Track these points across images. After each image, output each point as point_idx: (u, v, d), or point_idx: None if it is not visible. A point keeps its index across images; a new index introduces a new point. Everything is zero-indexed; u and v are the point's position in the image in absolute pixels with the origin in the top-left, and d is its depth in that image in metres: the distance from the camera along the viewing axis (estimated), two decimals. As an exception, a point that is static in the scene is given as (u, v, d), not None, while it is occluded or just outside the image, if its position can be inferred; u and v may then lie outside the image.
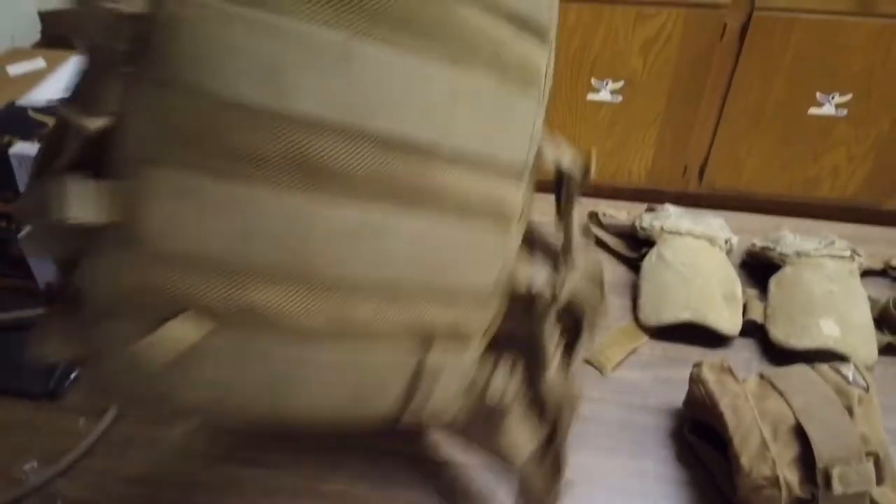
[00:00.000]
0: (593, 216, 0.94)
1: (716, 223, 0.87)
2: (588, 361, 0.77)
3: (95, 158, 0.34)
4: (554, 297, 0.48)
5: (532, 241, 0.51)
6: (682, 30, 1.62)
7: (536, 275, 0.48)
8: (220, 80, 0.33)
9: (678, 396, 0.74)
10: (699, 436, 0.67)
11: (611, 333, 0.80)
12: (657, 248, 0.85)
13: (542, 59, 0.41)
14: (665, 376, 0.76)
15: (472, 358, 0.44)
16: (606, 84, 1.75)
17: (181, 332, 0.35)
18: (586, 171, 0.50)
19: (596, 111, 1.80)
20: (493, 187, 0.40)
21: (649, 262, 0.84)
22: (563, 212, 0.53)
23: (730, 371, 0.66)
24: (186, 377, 0.37)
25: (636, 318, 0.81)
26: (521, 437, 0.49)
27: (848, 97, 1.65)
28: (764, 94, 1.69)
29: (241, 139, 0.33)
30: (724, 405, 0.62)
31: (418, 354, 0.41)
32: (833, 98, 1.66)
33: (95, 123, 0.33)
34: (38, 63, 0.90)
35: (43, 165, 0.37)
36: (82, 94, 0.35)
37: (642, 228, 0.87)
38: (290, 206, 0.34)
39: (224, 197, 0.34)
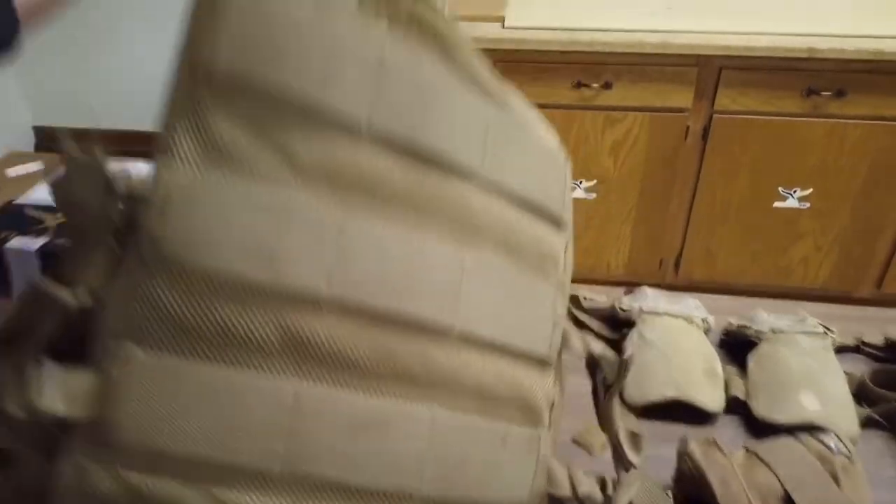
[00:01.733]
0: (574, 300, 0.97)
1: (692, 304, 0.90)
2: (576, 442, 0.78)
3: (73, 338, 0.31)
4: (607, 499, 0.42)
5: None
6: (648, 132, 1.72)
7: (582, 478, 0.42)
8: (211, 257, 0.30)
9: (667, 473, 0.74)
10: (691, 511, 0.67)
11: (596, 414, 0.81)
12: (637, 329, 0.87)
13: (558, 245, 0.41)
14: (653, 454, 0.76)
15: None
16: (580, 183, 1.82)
17: None
18: (621, 363, 0.45)
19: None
20: (515, 374, 0.37)
21: (630, 342, 0.86)
22: (603, 414, 0.49)
23: (716, 445, 0.67)
24: None
25: (621, 398, 0.82)
26: None
27: (809, 191, 1.74)
28: (729, 189, 1.77)
29: (232, 319, 0.30)
30: (713, 478, 0.63)
31: None
32: (795, 192, 1.74)
33: (77, 300, 0.31)
34: (36, 165, 0.93)
35: (14, 337, 0.32)
36: (66, 270, 0.32)
37: (622, 310, 0.90)
38: (285, 394, 0.31)
39: (210, 383, 0.30)
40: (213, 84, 0.31)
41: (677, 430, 0.80)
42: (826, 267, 1.85)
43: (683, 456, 0.67)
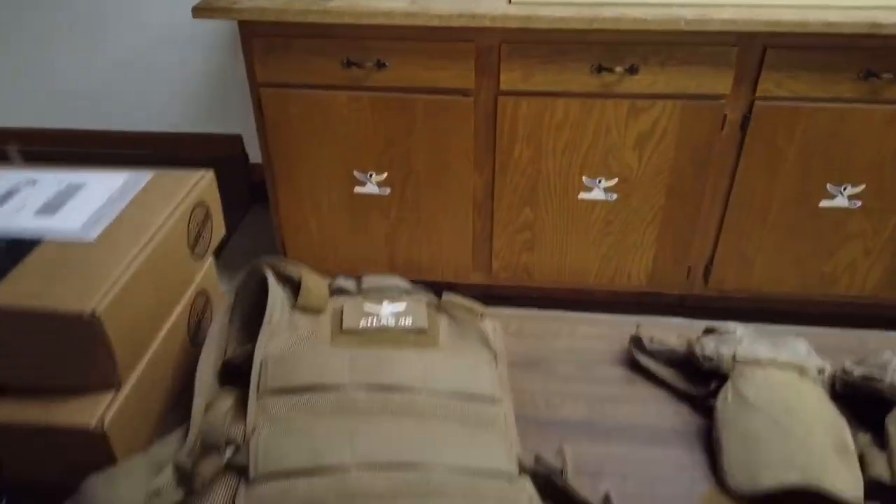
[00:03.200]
0: (637, 342, 0.75)
1: (801, 348, 0.68)
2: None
3: None
4: None
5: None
6: (678, 122, 1.50)
7: None
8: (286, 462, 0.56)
9: None
10: None
11: (692, 508, 0.59)
12: (731, 384, 0.65)
13: (497, 412, 0.64)
14: (776, 569, 0.55)
15: None
16: (599, 182, 1.60)
17: None
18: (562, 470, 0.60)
19: (589, 211, 1.65)
20: (487, 484, 0.57)
21: (724, 403, 0.64)
22: None
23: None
24: None
25: (721, 481, 0.60)
26: None
27: (861, 188, 1.53)
28: (770, 187, 1.56)
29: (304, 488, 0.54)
30: None
31: None
32: (845, 189, 1.54)
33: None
34: None
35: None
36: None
37: (706, 358, 0.68)
38: None
39: None
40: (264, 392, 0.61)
41: (803, 529, 0.58)
42: (875, 273, 1.65)
43: None
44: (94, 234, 0.63)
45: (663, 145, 1.55)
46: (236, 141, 2.26)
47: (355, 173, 1.66)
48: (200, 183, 0.72)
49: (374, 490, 0.54)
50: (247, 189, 2.34)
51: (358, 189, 1.68)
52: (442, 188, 1.67)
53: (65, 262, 0.59)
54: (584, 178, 1.61)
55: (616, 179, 1.61)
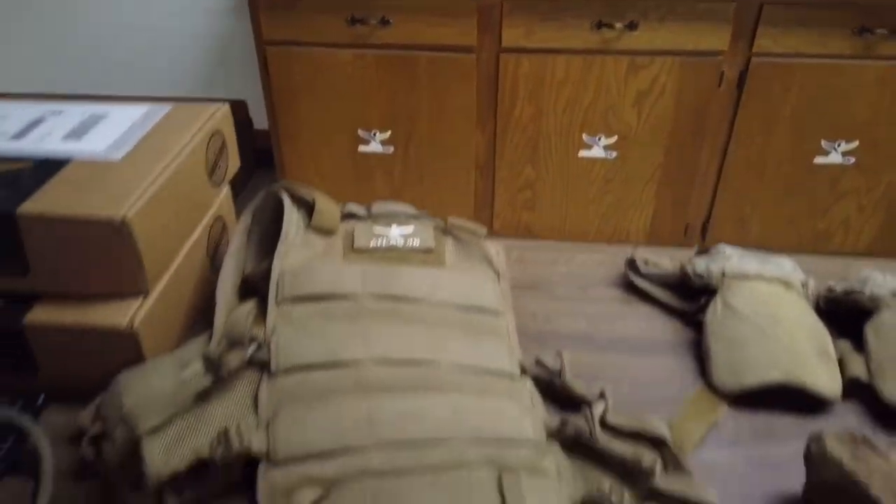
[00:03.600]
0: (632, 264, 0.79)
1: (787, 264, 0.72)
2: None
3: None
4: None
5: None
6: (677, 79, 1.53)
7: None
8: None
9: (785, 481, 0.57)
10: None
11: (683, 407, 0.63)
12: (721, 297, 0.69)
13: (500, 324, 0.68)
14: (760, 455, 0.59)
15: (554, 481, 0.55)
16: (599, 140, 1.64)
17: (309, 493, 0.51)
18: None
19: (589, 169, 1.69)
20: (493, 382, 0.62)
21: (714, 314, 0.68)
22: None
23: (867, 443, 0.50)
24: None
25: (709, 384, 0.65)
26: None
27: (854, 144, 1.56)
28: (766, 143, 1.60)
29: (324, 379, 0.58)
30: (878, 489, 0.46)
31: (495, 475, 0.53)
32: (839, 145, 1.57)
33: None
34: None
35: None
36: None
37: (697, 275, 0.72)
38: (361, 408, 0.56)
39: (323, 413, 0.55)
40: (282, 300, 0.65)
41: (784, 422, 0.62)
42: (869, 230, 1.69)
43: (823, 460, 0.50)
44: (119, 154, 0.67)
45: (662, 103, 1.58)
46: (241, 107, 2.29)
47: (359, 132, 1.69)
48: (217, 114, 0.76)
49: (387, 382, 0.58)
50: (251, 155, 2.37)
51: (362, 148, 1.72)
52: (444, 147, 1.71)
53: (94, 178, 0.63)
54: (584, 135, 1.65)
55: (615, 137, 1.64)
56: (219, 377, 0.56)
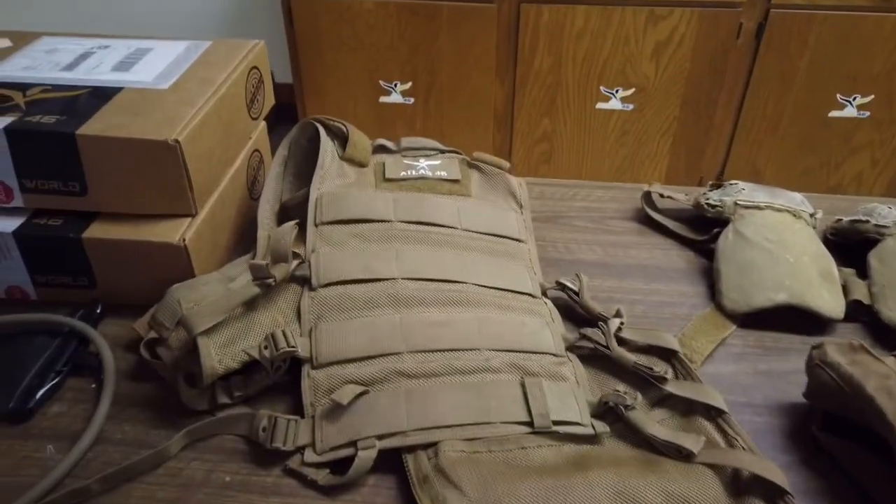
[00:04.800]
0: (647, 197, 0.83)
1: (796, 197, 0.76)
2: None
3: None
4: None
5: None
6: (696, 30, 1.55)
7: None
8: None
9: (787, 390, 0.61)
10: (833, 433, 0.54)
11: (693, 323, 0.67)
12: (733, 226, 0.73)
13: (522, 249, 0.74)
14: (765, 368, 0.64)
15: (573, 386, 0.60)
16: (616, 92, 1.66)
17: (350, 388, 0.56)
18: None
19: (606, 121, 1.71)
20: (515, 299, 0.67)
21: (725, 241, 0.72)
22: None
23: (864, 349, 0.54)
24: (361, 414, 0.56)
25: (719, 305, 0.69)
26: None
27: (870, 98, 1.58)
28: (782, 97, 1.61)
29: (359, 293, 0.63)
30: (873, 389, 0.50)
31: (518, 379, 0.59)
32: (854, 99, 1.59)
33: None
34: (4, 42, 0.80)
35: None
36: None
37: (711, 206, 0.76)
38: (395, 319, 0.61)
39: (357, 325, 0.61)
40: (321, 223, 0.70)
41: (789, 339, 0.67)
42: (881, 184, 1.71)
43: (822, 365, 0.54)
44: (166, 84, 0.71)
45: (680, 54, 1.60)
46: (261, 59, 2.31)
47: (381, 83, 1.72)
48: (255, 49, 0.80)
49: (418, 295, 0.63)
50: (272, 109, 2.40)
51: (383, 99, 1.75)
52: (464, 98, 1.73)
53: (145, 104, 0.67)
54: (601, 87, 1.67)
55: (633, 89, 1.66)
56: (266, 287, 0.61)
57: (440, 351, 0.59)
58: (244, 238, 0.77)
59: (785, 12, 1.51)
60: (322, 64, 1.71)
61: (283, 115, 2.33)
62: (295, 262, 0.64)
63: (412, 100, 1.74)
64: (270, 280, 0.60)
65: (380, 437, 0.53)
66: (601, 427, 0.56)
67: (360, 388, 0.56)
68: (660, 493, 0.51)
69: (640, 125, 1.71)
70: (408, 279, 0.65)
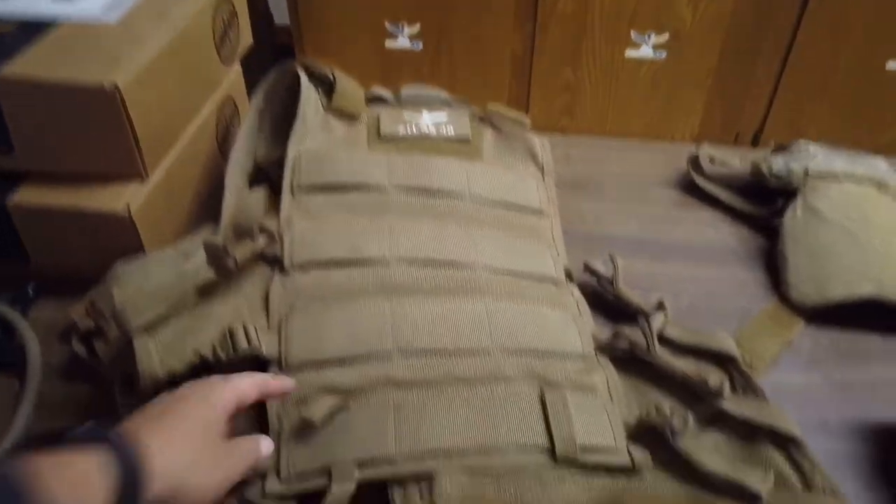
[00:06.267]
0: (695, 162, 0.70)
1: (881, 164, 0.63)
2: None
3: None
4: None
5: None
6: (740, -31, 1.38)
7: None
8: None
9: (870, 407, 0.49)
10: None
11: (753, 320, 0.55)
12: (802, 200, 0.60)
13: (543, 225, 0.61)
14: (841, 379, 0.52)
15: (605, 400, 0.48)
16: (649, 38, 1.50)
17: (325, 401, 0.43)
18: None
19: (636, 70, 1.55)
20: (532, 287, 0.54)
21: (793, 218, 0.59)
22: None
23: None
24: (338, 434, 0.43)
25: (785, 297, 0.56)
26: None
27: (934, 47, 1.41)
28: (833, 49, 1.45)
29: (344, 280, 0.52)
30: None
31: (537, 391, 0.46)
32: (917, 49, 1.42)
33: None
34: None
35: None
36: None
37: (775, 174, 0.62)
38: (385, 309, 0.49)
39: (338, 319, 0.48)
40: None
41: (872, 342, 0.54)
42: (938, 144, 1.55)
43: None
44: (115, 16, 0.58)
45: (720, -4, 1.43)
46: (259, 0, 2.16)
47: (387, 24, 1.57)
48: (226, -22, 0.66)
49: (414, 284, 0.51)
50: (270, 52, 2.26)
51: (389, 44, 1.60)
52: (478, 45, 1.58)
53: (85, 41, 0.55)
54: (632, 32, 1.51)
55: (667, 35, 1.50)
56: (224, 270, 0.49)
57: (439, 353, 0.47)
58: (212, 203, 0.65)
59: (844, -52, 1.33)
60: (323, 5, 1.56)
61: (283, 58, 2.19)
62: (263, 238, 0.52)
63: (420, 44, 1.59)
64: (230, 261, 0.48)
65: (360, 465, 0.42)
66: (641, 456, 0.44)
67: (336, 402, 0.44)
68: None
69: (672, 75, 1.55)
70: (402, 261, 0.52)
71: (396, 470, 0.42)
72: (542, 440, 0.44)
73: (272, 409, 0.45)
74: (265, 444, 0.41)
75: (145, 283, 0.49)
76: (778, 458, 0.44)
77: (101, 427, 0.35)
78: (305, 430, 0.43)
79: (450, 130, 0.64)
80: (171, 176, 0.58)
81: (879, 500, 0.44)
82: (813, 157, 0.62)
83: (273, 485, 0.42)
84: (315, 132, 0.61)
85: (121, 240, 0.54)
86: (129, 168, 0.54)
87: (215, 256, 0.48)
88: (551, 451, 0.43)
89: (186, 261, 0.51)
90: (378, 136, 0.63)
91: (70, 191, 0.54)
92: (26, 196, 0.54)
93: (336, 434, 0.43)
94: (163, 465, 0.34)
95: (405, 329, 0.48)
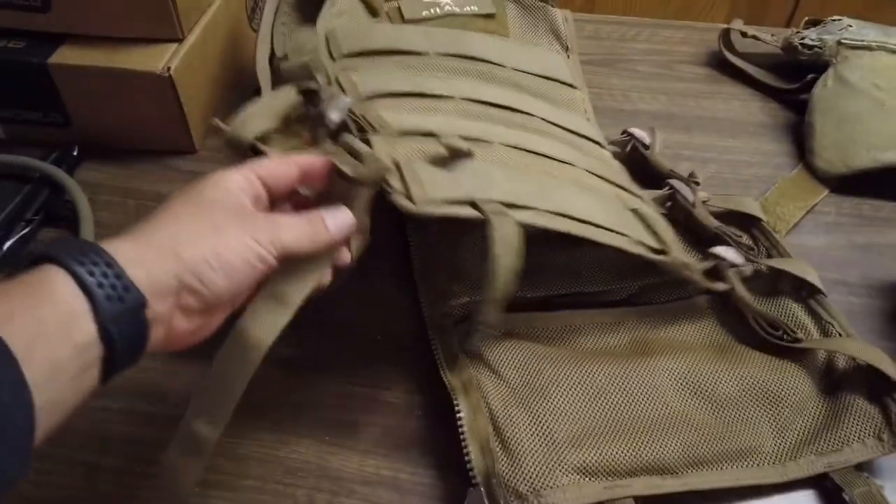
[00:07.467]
0: (726, 37, 0.69)
1: (915, 36, 0.62)
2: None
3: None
4: None
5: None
6: None
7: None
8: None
9: (889, 266, 0.51)
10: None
11: (778, 186, 0.56)
12: (834, 70, 0.60)
13: (578, 97, 0.61)
14: (863, 241, 0.53)
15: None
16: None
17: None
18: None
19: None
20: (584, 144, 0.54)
21: (823, 89, 0.60)
22: None
23: None
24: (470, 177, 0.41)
25: (810, 165, 0.57)
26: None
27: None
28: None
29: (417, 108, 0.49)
30: None
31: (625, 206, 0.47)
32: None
33: None
34: None
35: None
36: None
37: (806, 47, 0.62)
38: None
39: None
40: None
41: (891, 208, 0.56)
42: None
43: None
44: None
45: None
46: None
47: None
48: None
49: (487, 118, 0.50)
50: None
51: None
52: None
53: None
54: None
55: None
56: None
57: (535, 154, 0.47)
58: (242, 68, 0.65)
59: None
60: None
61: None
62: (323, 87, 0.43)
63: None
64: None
65: (508, 206, 0.38)
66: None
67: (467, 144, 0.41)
68: (738, 384, 0.42)
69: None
70: (469, 101, 0.51)
71: (541, 221, 0.39)
72: (651, 240, 0.44)
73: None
74: (334, 218, 0.34)
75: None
76: (797, 310, 0.46)
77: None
78: (437, 164, 0.40)
79: (473, 7, 0.63)
80: (206, 37, 0.58)
81: (894, 350, 0.46)
82: (846, 28, 0.61)
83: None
84: (343, 14, 0.60)
85: (159, 101, 0.55)
86: (165, 29, 0.55)
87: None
88: (661, 251, 0.43)
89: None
90: (402, 21, 0.61)
91: (110, 52, 0.55)
92: (66, 56, 0.54)
93: (467, 176, 0.40)
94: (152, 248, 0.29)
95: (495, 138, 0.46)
